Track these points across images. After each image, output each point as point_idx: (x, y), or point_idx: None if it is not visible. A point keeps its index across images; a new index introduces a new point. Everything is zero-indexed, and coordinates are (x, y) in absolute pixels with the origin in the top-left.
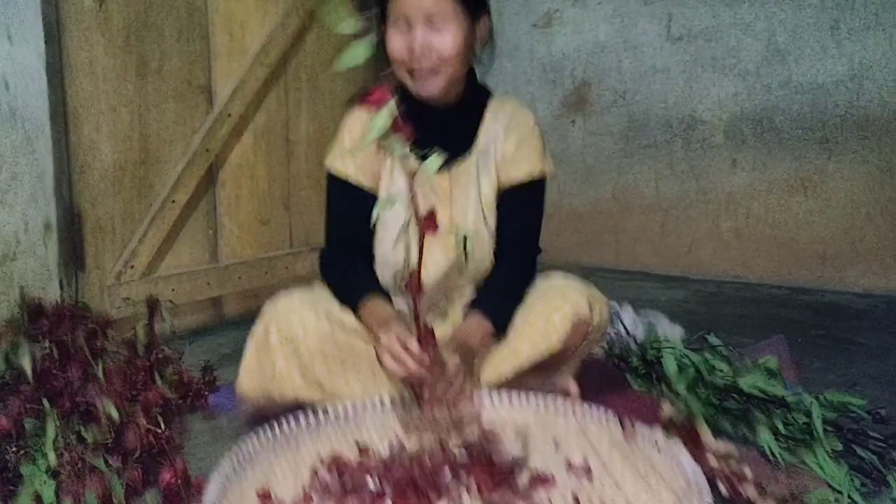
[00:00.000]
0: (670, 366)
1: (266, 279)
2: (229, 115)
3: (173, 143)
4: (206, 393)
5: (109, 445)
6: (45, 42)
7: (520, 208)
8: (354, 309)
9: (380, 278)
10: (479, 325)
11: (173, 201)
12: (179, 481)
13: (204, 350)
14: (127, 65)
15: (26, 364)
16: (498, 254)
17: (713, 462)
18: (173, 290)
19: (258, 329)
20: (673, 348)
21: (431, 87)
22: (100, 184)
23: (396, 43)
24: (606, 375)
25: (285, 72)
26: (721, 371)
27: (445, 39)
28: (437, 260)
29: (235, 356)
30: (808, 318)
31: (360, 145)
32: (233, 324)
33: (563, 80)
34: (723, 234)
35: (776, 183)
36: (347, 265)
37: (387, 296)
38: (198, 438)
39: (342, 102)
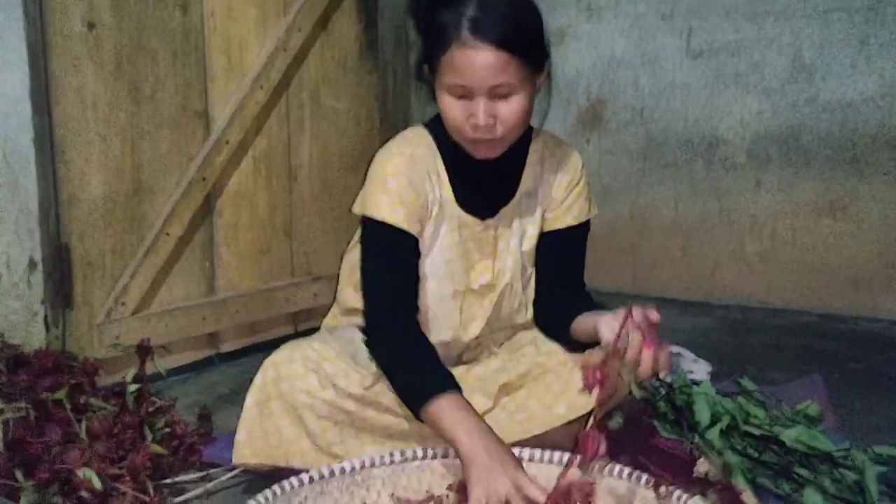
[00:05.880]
0: (703, 413)
1: (266, 311)
2: (227, 142)
3: (168, 172)
4: (200, 447)
5: None
6: (30, 67)
7: (567, 250)
8: (420, 404)
9: None
10: None
11: (168, 234)
12: None
13: (199, 389)
14: (118, 91)
15: None
16: (548, 297)
17: None
18: (167, 326)
19: (257, 393)
20: (704, 394)
21: (491, 153)
22: (89, 217)
23: (453, 111)
24: (632, 421)
25: (286, 91)
26: (757, 418)
27: (513, 110)
28: (476, 320)
29: (233, 396)
30: (843, 349)
31: None
32: (231, 359)
33: (577, 97)
34: (747, 257)
35: (803, 205)
36: (407, 337)
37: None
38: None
39: (347, 120)
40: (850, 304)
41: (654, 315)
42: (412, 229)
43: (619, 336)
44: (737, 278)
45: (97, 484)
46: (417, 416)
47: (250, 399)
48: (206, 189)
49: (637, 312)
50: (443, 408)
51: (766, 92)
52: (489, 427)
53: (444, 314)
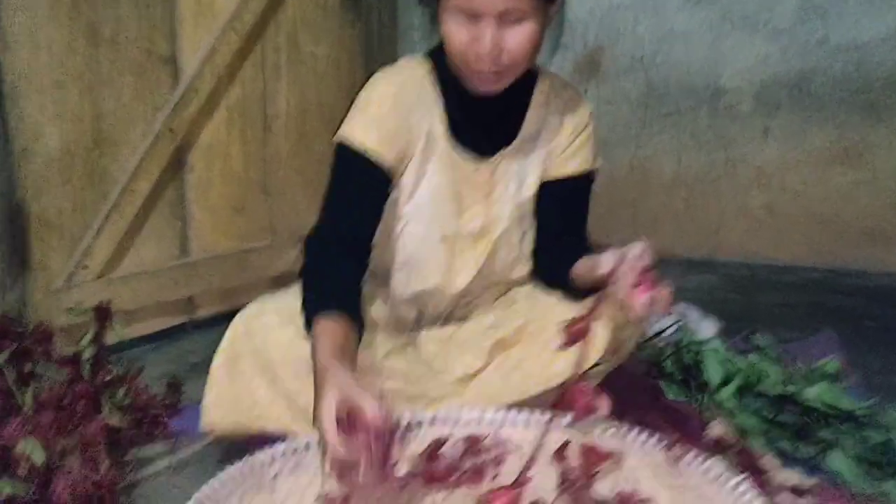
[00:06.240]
0: (713, 372)
1: (243, 276)
2: (197, 91)
3: (132, 123)
4: (167, 419)
5: (34, 500)
6: None
7: (569, 201)
8: (309, 319)
9: (378, 275)
10: None
11: (133, 190)
12: None
13: (170, 359)
14: (75, 33)
15: None
16: (548, 249)
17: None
18: (135, 290)
19: (226, 351)
20: (715, 351)
21: (493, 87)
22: (45, 172)
23: (458, 36)
24: (635, 383)
25: (262, 36)
26: (772, 377)
27: (520, 39)
28: (466, 268)
29: (206, 366)
30: (858, 306)
31: None
32: (206, 327)
33: (574, 43)
34: (754, 211)
35: (814, 153)
36: (337, 258)
37: (358, 317)
38: (155, 480)
39: (326, 66)
40: (864, 258)
41: (646, 257)
42: (385, 157)
43: (613, 272)
44: (743, 233)
45: (39, 458)
46: (308, 330)
47: (218, 359)
48: (174, 142)
49: (632, 251)
50: (322, 326)
51: (775, 34)
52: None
53: (430, 260)
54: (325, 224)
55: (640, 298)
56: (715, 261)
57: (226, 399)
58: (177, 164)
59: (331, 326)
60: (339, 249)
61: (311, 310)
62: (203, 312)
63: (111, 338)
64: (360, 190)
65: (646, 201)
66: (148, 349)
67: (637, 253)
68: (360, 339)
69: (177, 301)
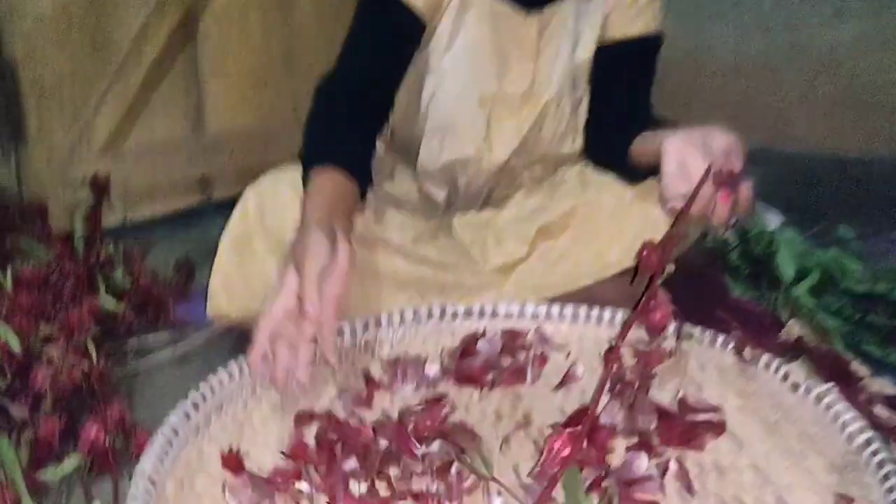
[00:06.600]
0: (788, 266)
1: (265, 155)
2: None
3: None
4: (172, 304)
5: (13, 389)
6: None
7: (632, 68)
8: (307, 171)
9: (406, 148)
10: None
11: (139, 59)
12: (111, 438)
13: (182, 242)
14: None
15: None
16: (605, 122)
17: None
18: (143, 167)
19: (235, 229)
20: (791, 241)
21: None
22: (38, 33)
23: None
24: (696, 277)
25: None
26: (856, 274)
27: None
28: (507, 136)
29: None
30: None
31: None
32: (223, 209)
33: None
34: (819, 99)
35: (892, 36)
36: (345, 107)
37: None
38: (158, 372)
39: None
40: None
41: (735, 154)
42: (416, 4)
43: (689, 204)
44: (806, 124)
45: (15, 344)
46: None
47: (227, 238)
48: (184, 3)
49: (716, 142)
50: (320, 179)
51: None
52: (349, 210)
53: (465, 126)
54: (340, 69)
55: (724, 202)
56: (773, 152)
57: (235, 283)
58: (188, 31)
59: (329, 181)
60: (353, 98)
61: (310, 161)
62: (220, 194)
63: (112, 216)
64: (385, 34)
65: (701, 89)
66: (158, 232)
67: (723, 147)
68: (362, 198)
69: (190, 180)
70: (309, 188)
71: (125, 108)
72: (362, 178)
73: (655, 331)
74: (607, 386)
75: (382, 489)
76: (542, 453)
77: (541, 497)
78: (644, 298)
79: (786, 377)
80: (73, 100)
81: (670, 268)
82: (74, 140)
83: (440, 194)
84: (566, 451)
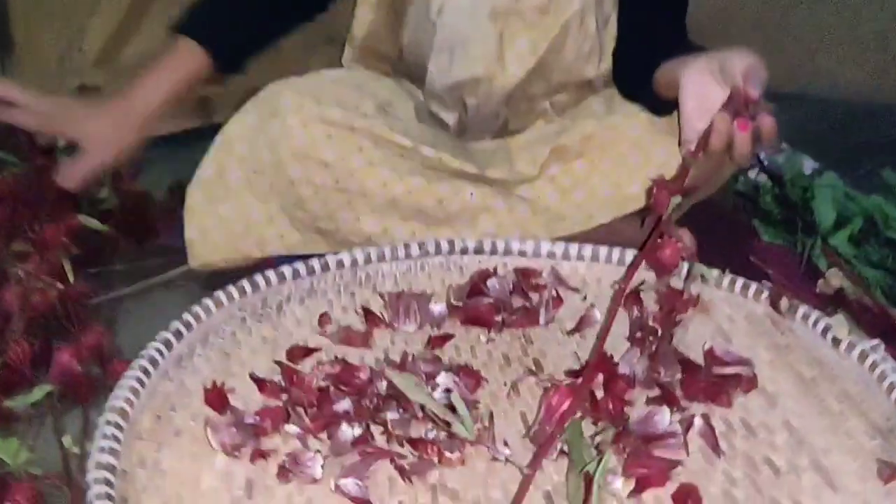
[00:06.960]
0: (826, 212)
1: (271, 73)
2: None
3: None
4: (162, 228)
5: None
6: None
7: None
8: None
9: (413, 70)
10: None
11: None
12: (85, 366)
13: (181, 165)
14: None
15: None
16: (634, 44)
17: None
18: None
19: (209, 168)
20: (830, 186)
21: None
22: None
23: None
24: (724, 221)
25: None
26: None
27: None
28: (521, 53)
29: None
30: None
31: None
32: None
33: None
34: (861, 38)
35: None
36: None
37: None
38: (144, 296)
39: None
40: None
41: (754, 92)
42: None
43: (702, 145)
44: (844, 65)
45: None
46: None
47: (197, 180)
48: None
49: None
50: (175, 49)
51: None
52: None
53: (476, 41)
54: None
55: (743, 131)
56: (808, 94)
57: (211, 228)
58: None
59: (187, 55)
60: None
61: (185, 26)
62: (223, 116)
63: None
64: None
65: (731, 25)
66: (155, 154)
67: (741, 71)
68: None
69: (191, 100)
70: (165, 53)
71: (121, 15)
72: (226, 65)
73: (664, 270)
74: (630, 332)
75: (378, 434)
76: (539, 410)
77: (536, 458)
78: (652, 235)
79: (825, 331)
80: (64, 8)
81: (676, 199)
82: (65, 49)
83: (450, 118)
84: (565, 407)
